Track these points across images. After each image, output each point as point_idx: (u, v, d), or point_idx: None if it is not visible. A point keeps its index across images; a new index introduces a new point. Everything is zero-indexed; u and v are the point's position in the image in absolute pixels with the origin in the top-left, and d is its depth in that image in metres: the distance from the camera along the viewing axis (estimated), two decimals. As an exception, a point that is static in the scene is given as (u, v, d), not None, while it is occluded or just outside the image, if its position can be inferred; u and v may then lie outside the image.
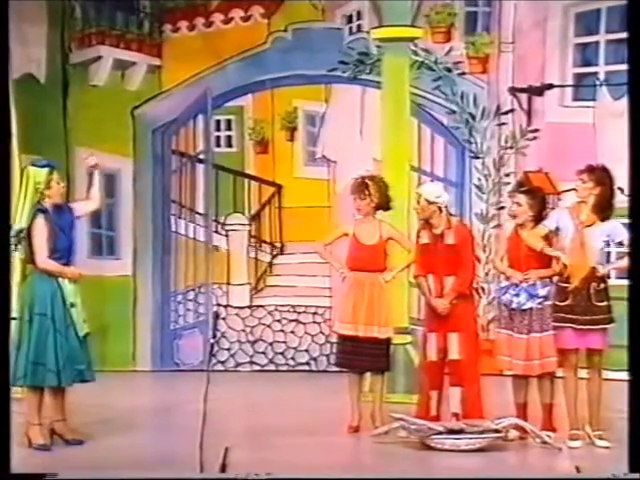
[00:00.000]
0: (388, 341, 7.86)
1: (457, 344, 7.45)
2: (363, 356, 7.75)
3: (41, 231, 7.02)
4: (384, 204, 7.86)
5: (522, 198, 7.52)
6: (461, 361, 7.45)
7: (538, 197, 7.55)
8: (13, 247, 7.04)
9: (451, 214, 7.71)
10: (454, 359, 7.47)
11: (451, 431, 7.12)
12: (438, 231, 7.53)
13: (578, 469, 6.47)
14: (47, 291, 7.08)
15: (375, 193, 7.79)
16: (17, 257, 7.21)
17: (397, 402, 8.35)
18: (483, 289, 10.56)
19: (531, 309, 7.35)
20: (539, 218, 7.42)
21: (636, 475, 5.69)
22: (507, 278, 7.52)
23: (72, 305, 7.16)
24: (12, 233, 7.00)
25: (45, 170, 7.13)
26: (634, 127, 5.92)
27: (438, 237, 7.53)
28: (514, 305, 7.39)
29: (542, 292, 7.34)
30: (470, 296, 7.64)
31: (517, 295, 7.39)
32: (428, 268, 7.58)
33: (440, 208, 7.53)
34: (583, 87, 10.38)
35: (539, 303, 7.34)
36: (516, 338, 7.40)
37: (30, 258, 7.15)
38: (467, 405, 7.43)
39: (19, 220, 7.09)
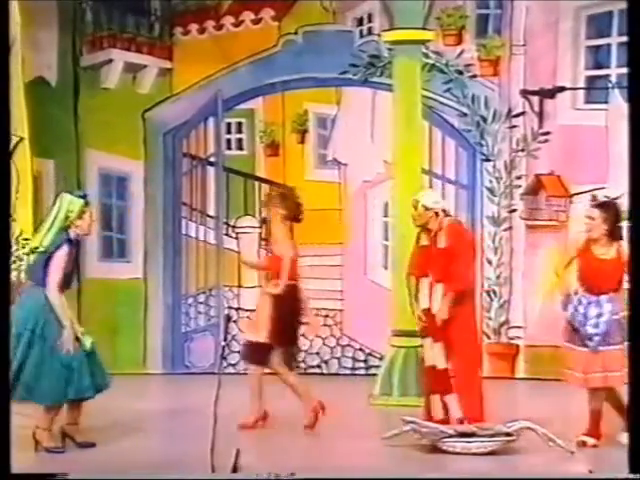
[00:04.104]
0: None
1: (442, 353, 7.39)
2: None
3: (62, 262, 7.09)
4: (293, 216, 8.00)
5: (595, 212, 7.26)
6: (449, 370, 7.38)
7: (612, 210, 7.25)
8: (19, 257, 7.05)
9: (448, 215, 7.61)
10: (441, 368, 7.42)
11: (463, 434, 7.10)
12: (433, 234, 7.48)
13: (591, 472, 6.44)
14: (33, 307, 7.09)
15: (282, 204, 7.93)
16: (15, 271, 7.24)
17: (409, 405, 8.34)
18: (495, 292, 10.54)
19: (597, 323, 7.25)
20: (613, 232, 7.18)
21: (636, 475, 5.65)
22: (567, 291, 7.34)
23: (62, 326, 7.12)
24: (27, 247, 7.04)
25: (81, 201, 7.23)
26: (634, 128, 5.89)
27: (433, 240, 7.49)
28: (579, 318, 7.25)
29: (608, 307, 7.23)
30: (466, 301, 7.52)
31: (576, 309, 7.25)
32: (423, 270, 7.53)
33: (437, 213, 7.48)
34: (595, 89, 10.36)
35: (604, 317, 7.19)
36: (578, 351, 7.28)
37: (33, 275, 7.17)
38: (466, 411, 7.37)
39: (40, 240, 7.15)
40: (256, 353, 7.91)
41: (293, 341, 8.09)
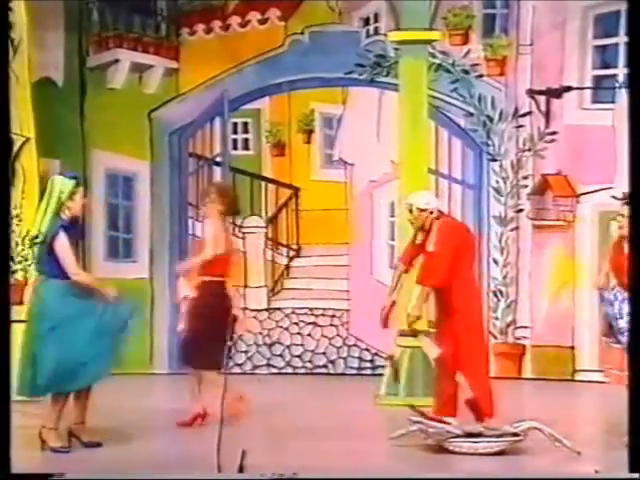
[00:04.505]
0: None
1: (429, 344, 7.46)
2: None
3: (66, 246, 7.04)
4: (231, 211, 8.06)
5: (627, 210, 7.32)
6: (440, 358, 7.42)
7: None
8: (25, 258, 7.06)
9: (440, 216, 7.57)
10: (436, 356, 7.46)
11: (469, 434, 7.09)
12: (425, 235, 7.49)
13: (597, 472, 6.42)
14: (54, 299, 7.06)
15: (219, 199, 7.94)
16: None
17: (415, 405, 8.31)
18: (501, 292, 10.52)
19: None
20: None
21: (636, 475, 5.63)
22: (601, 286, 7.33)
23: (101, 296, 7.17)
24: (29, 237, 7.03)
25: (71, 182, 7.16)
26: (634, 128, 5.86)
27: (424, 240, 7.50)
28: (613, 313, 7.23)
29: None
30: (462, 289, 7.41)
31: (612, 304, 7.25)
32: (411, 263, 7.61)
33: (432, 212, 7.50)
34: (602, 89, 10.34)
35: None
36: (614, 348, 7.28)
37: (41, 268, 7.15)
38: (475, 390, 7.35)
39: (38, 226, 7.12)
40: (191, 354, 7.88)
41: (215, 339, 7.70)
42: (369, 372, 10.70)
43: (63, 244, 7.02)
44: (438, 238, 7.44)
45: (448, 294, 7.39)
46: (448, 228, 7.59)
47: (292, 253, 11.08)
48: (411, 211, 7.56)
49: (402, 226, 9.38)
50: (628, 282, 6.12)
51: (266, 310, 11.07)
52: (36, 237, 7.12)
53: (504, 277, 10.51)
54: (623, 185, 9.74)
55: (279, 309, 11.07)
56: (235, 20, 11.13)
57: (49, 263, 7.05)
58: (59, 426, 7.17)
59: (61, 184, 7.11)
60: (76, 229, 7.21)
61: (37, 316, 7.05)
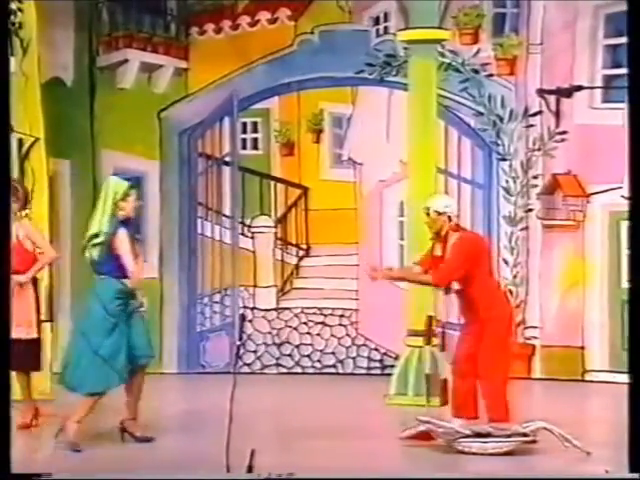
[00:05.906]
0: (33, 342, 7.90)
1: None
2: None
3: (125, 243, 7.26)
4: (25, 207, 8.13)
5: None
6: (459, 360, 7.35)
7: None
8: (83, 248, 7.28)
9: (459, 226, 7.48)
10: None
11: (479, 434, 7.07)
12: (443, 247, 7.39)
13: (607, 472, 6.40)
14: (109, 297, 7.25)
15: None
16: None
17: (424, 405, 8.31)
18: (511, 292, 10.50)
19: None
20: None
21: (636, 475, 5.61)
22: None
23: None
24: (87, 236, 7.21)
25: (125, 184, 7.37)
26: (634, 128, 5.82)
27: (444, 252, 7.40)
28: None
29: None
30: (494, 303, 7.38)
31: None
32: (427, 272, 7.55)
33: (450, 217, 7.38)
34: (612, 89, 10.30)
35: None
36: None
37: (101, 269, 7.27)
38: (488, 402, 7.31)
39: (99, 226, 7.27)
40: (27, 355, 7.83)
41: (20, 341, 7.67)
42: (378, 372, 10.69)
43: (123, 241, 7.23)
44: (453, 247, 7.31)
45: (470, 299, 7.27)
46: (464, 239, 7.40)
47: (301, 253, 11.07)
48: (428, 214, 7.41)
49: (411, 226, 9.38)
50: (628, 281, 6.06)
51: (275, 310, 11.08)
52: (95, 236, 7.25)
53: (514, 277, 10.48)
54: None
55: (288, 309, 11.06)
56: (245, 20, 11.14)
57: (109, 263, 7.22)
58: (83, 421, 7.20)
59: (115, 185, 7.34)
60: (131, 229, 7.38)
61: (95, 314, 7.21)
